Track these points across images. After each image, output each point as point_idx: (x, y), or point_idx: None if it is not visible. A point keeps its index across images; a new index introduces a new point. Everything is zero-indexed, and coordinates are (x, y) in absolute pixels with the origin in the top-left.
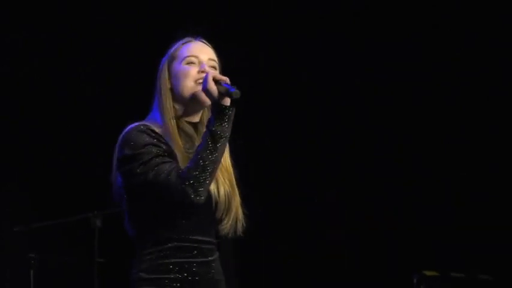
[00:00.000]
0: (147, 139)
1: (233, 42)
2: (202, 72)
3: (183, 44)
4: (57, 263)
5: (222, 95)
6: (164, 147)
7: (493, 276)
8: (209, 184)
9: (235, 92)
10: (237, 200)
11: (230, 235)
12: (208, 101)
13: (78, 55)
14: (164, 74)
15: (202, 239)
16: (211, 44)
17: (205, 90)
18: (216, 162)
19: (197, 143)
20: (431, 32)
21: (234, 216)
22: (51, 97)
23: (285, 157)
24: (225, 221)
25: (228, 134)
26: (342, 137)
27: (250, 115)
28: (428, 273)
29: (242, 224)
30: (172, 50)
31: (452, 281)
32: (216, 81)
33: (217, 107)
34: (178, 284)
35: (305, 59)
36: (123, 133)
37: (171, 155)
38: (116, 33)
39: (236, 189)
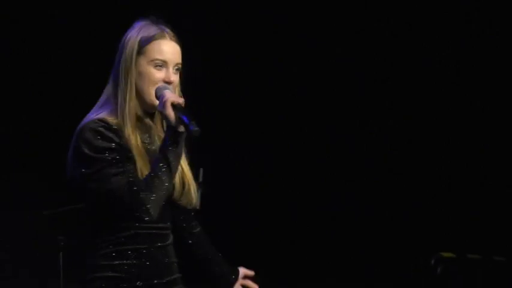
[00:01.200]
0: (104, 144)
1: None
2: (168, 82)
3: (154, 38)
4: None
5: (178, 121)
6: (119, 150)
7: (508, 258)
8: (161, 202)
9: (195, 130)
10: (188, 177)
11: (187, 207)
12: (159, 109)
13: None
14: (130, 66)
15: (159, 225)
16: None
17: (162, 113)
18: (170, 184)
19: (154, 134)
20: (431, 32)
21: (188, 194)
22: (74, 87)
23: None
24: (182, 199)
25: (180, 157)
26: (358, 123)
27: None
28: (445, 254)
29: (194, 202)
30: (141, 37)
31: (469, 262)
32: (174, 107)
33: (172, 132)
34: (137, 269)
35: (305, 58)
36: (82, 126)
37: (126, 155)
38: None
39: (187, 168)
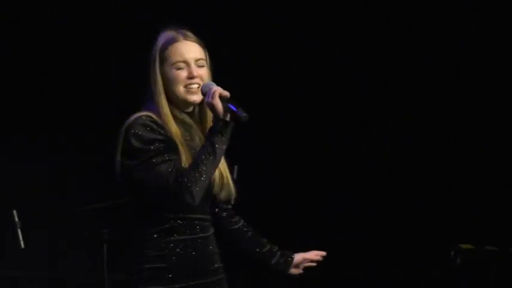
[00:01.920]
0: (153, 135)
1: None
2: (191, 78)
3: (169, 44)
4: (128, 237)
5: (225, 111)
6: (165, 141)
7: None
8: (204, 188)
9: (244, 116)
10: (226, 171)
11: (227, 203)
12: (198, 100)
13: None
14: (155, 72)
15: (201, 217)
16: (194, 35)
17: (209, 105)
18: (213, 170)
19: (192, 131)
20: (431, 32)
21: (227, 187)
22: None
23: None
24: (220, 193)
25: (226, 146)
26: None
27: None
28: (464, 246)
29: (232, 194)
30: (159, 49)
31: (486, 253)
32: (221, 98)
33: (220, 122)
34: (183, 260)
35: (306, 58)
36: (130, 122)
37: (172, 146)
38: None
39: (226, 165)
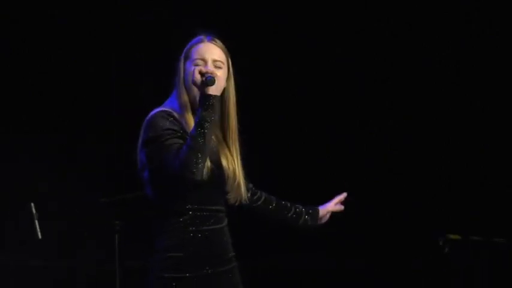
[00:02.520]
0: (167, 125)
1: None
2: (202, 73)
3: (195, 44)
4: (139, 229)
5: (203, 85)
6: (180, 132)
7: (506, 239)
8: (202, 163)
9: (210, 80)
10: (238, 175)
11: (235, 204)
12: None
13: None
14: (180, 70)
15: (216, 208)
16: (221, 42)
17: (193, 82)
18: (205, 145)
19: None
20: (431, 32)
21: (238, 189)
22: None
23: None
24: (231, 193)
25: (212, 119)
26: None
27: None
28: (452, 236)
29: (245, 196)
30: (187, 48)
31: (472, 243)
32: (201, 74)
33: (201, 96)
34: (201, 249)
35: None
36: (149, 117)
37: (185, 136)
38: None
39: (239, 166)
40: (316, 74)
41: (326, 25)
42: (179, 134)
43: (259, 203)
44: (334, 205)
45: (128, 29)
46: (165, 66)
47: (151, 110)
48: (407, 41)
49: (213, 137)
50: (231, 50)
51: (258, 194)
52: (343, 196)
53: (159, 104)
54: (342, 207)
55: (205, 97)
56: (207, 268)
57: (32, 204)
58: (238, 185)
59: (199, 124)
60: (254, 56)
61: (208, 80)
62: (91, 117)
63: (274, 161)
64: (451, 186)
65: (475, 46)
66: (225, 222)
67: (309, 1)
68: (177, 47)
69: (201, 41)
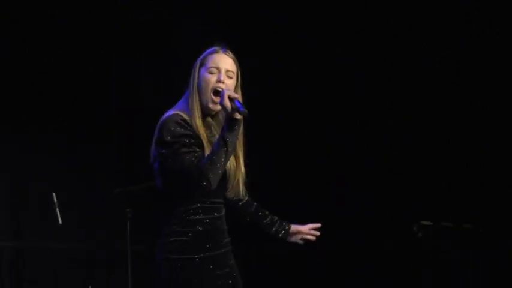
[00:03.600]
0: (182, 131)
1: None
2: (219, 82)
3: (210, 53)
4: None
5: (233, 110)
6: (193, 137)
7: (473, 225)
8: (218, 176)
9: (244, 111)
10: (238, 174)
11: (233, 198)
12: (218, 109)
13: None
14: (195, 76)
15: (218, 201)
16: (234, 55)
17: (222, 105)
18: (226, 160)
19: (214, 130)
20: (431, 32)
21: (237, 187)
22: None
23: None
24: (230, 189)
25: (236, 140)
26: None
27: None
28: (425, 222)
29: (241, 194)
30: (202, 56)
31: (443, 228)
32: (230, 99)
33: (229, 119)
34: (203, 235)
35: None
36: (164, 119)
37: (197, 142)
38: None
39: (241, 166)
40: (316, 74)
41: (326, 25)
42: (193, 141)
43: (241, 203)
44: (307, 230)
45: (128, 29)
46: (165, 66)
47: (151, 109)
48: (407, 41)
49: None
50: (230, 50)
51: (245, 197)
52: (316, 225)
53: (159, 104)
54: (313, 238)
55: (234, 120)
56: (208, 251)
57: (54, 194)
58: (238, 183)
59: (223, 143)
60: (254, 56)
61: (241, 110)
62: (103, 119)
63: (268, 160)
64: (425, 178)
65: (475, 46)
66: (223, 212)
67: (309, 1)
68: (177, 47)
69: (216, 52)
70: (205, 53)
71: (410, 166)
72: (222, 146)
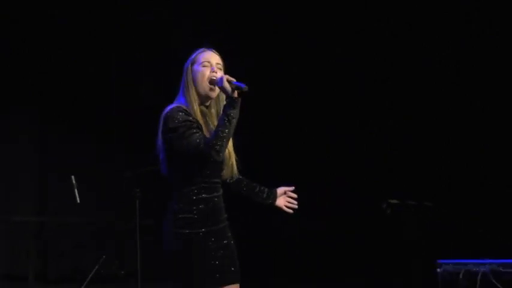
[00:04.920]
0: (185, 117)
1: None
2: (213, 72)
3: (199, 53)
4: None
5: (233, 90)
6: (194, 122)
7: (433, 203)
8: (225, 147)
9: (245, 87)
10: (232, 157)
11: (227, 180)
12: (214, 95)
13: None
14: (189, 73)
15: (217, 181)
16: (218, 53)
17: (221, 88)
18: (230, 133)
19: (208, 120)
20: (431, 32)
21: (232, 167)
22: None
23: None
24: (226, 170)
25: (237, 116)
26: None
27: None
28: (392, 201)
29: (235, 173)
30: (193, 56)
31: (407, 206)
32: (228, 81)
33: (230, 99)
34: (206, 212)
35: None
36: (167, 111)
37: (199, 126)
38: None
39: (233, 151)
40: (317, 74)
41: (326, 25)
42: (195, 125)
43: (234, 179)
44: (282, 191)
45: (128, 29)
46: (165, 66)
47: (151, 106)
48: (407, 41)
49: (211, 126)
50: (231, 50)
51: (237, 176)
52: (290, 188)
53: (160, 103)
54: (292, 205)
55: (234, 99)
56: (210, 226)
57: (73, 177)
58: (232, 164)
59: (227, 119)
60: (253, 55)
61: (243, 87)
62: (117, 114)
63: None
64: (393, 162)
65: (475, 46)
66: (221, 191)
67: (309, 1)
68: (177, 47)
69: (204, 50)
70: (195, 53)
71: (380, 152)
72: (226, 120)
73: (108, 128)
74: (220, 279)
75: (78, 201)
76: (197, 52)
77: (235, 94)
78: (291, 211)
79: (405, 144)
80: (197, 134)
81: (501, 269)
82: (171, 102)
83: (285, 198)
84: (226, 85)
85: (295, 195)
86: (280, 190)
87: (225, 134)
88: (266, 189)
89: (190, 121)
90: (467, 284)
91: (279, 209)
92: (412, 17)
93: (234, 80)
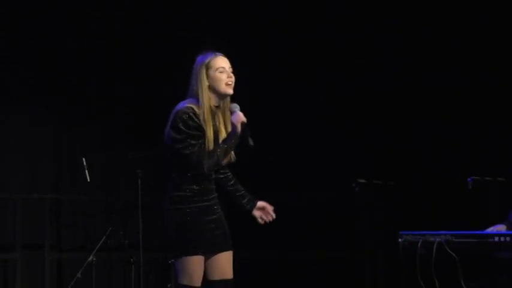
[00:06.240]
0: (191, 122)
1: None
2: (230, 77)
3: (213, 58)
4: (154, 176)
5: (242, 133)
6: (199, 130)
7: (396, 182)
8: (214, 166)
9: (251, 144)
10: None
11: (225, 164)
12: (230, 92)
13: None
14: (202, 75)
15: (210, 172)
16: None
17: (233, 124)
18: (221, 157)
19: (217, 119)
20: (431, 32)
21: (229, 156)
22: None
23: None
24: (224, 160)
25: (234, 146)
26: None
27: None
28: (360, 180)
29: (233, 158)
30: (206, 59)
31: (374, 185)
32: (242, 123)
33: (235, 136)
34: (198, 191)
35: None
36: (178, 109)
37: (202, 133)
38: None
39: None
40: (318, 74)
41: (326, 25)
42: (199, 133)
43: (223, 176)
44: (270, 209)
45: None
46: (170, 61)
47: (152, 99)
48: (408, 40)
49: (220, 125)
50: (231, 50)
51: (228, 172)
52: (270, 207)
53: (160, 98)
54: (269, 219)
55: (236, 139)
56: (201, 202)
57: (84, 159)
58: (230, 153)
59: (224, 148)
60: (254, 55)
61: (250, 143)
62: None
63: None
64: (361, 144)
65: (475, 46)
66: (213, 176)
67: (310, 1)
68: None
69: (216, 56)
70: (207, 58)
71: (350, 135)
72: (224, 147)
73: (115, 115)
74: (212, 247)
75: (89, 180)
76: (209, 56)
77: (239, 133)
78: (262, 223)
79: (371, 131)
80: (194, 147)
81: (453, 239)
82: (172, 96)
83: (262, 212)
84: (239, 126)
85: (273, 215)
86: (261, 203)
87: (217, 157)
88: (248, 197)
89: (195, 128)
90: (424, 252)
91: (254, 218)
92: (412, 17)
93: (245, 122)
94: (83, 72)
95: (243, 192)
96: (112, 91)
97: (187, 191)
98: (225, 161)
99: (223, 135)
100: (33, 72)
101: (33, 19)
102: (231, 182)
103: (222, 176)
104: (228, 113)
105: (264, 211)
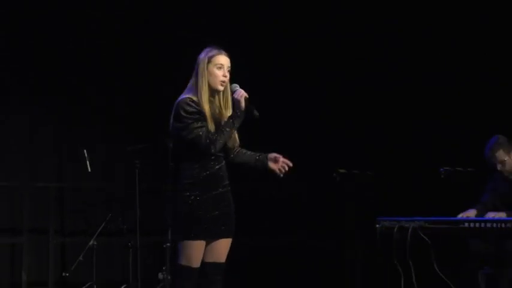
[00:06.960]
0: (192, 109)
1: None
2: (224, 76)
3: (216, 54)
4: (150, 167)
5: (246, 108)
6: (200, 114)
7: (374, 172)
8: (223, 144)
9: (257, 115)
10: (234, 133)
11: (231, 148)
12: (221, 89)
13: None
14: (204, 69)
15: (219, 155)
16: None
17: (236, 100)
18: (230, 135)
19: (214, 106)
20: (431, 32)
21: (234, 139)
22: None
23: None
24: (229, 141)
25: (239, 123)
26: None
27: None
28: (340, 170)
29: (237, 142)
30: (209, 55)
31: (353, 175)
32: (245, 98)
33: (240, 112)
34: (207, 179)
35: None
36: (179, 100)
37: (204, 117)
38: None
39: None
40: (317, 74)
41: (326, 25)
42: (201, 117)
43: (236, 150)
44: (282, 158)
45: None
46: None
47: (150, 95)
48: (408, 41)
49: (222, 109)
50: (232, 51)
51: (237, 148)
52: (280, 156)
53: (160, 94)
54: (286, 169)
55: (241, 114)
56: (211, 191)
57: (85, 150)
58: (234, 136)
59: (231, 124)
60: (254, 55)
61: (255, 114)
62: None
63: None
64: (342, 134)
65: (475, 46)
66: (223, 162)
67: (310, 1)
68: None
69: (220, 53)
70: (212, 52)
71: (332, 127)
72: (229, 126)
73: (114, 111)
74: (214, 235)
75: (90, 170)
76: (214, 52)
77: (242, 108)
78: (281, 175)
79: (352, 126)
80: (202, 128)
81: (427, 225)
82: (172, 96)
83: (276, 164)
84: (242, 102)
85: (289, 163)
86: (272, 155)
87: (225, 135)
88: (259, 154)
89: (196, 113)
90: (400, 236)
91: (273, 173)
92: (412, 17)
93: (248, 98)
94: (83, 72)
95: (252, 152)
96: (112, 91)
97: (194, 178)
98: (230, 143)
99: (224, 118)
100: (33, 72)
101: (33, 19)
102: (243, 151)
103: (232, 155)
104: (228, 98)
105: (277, 163)
